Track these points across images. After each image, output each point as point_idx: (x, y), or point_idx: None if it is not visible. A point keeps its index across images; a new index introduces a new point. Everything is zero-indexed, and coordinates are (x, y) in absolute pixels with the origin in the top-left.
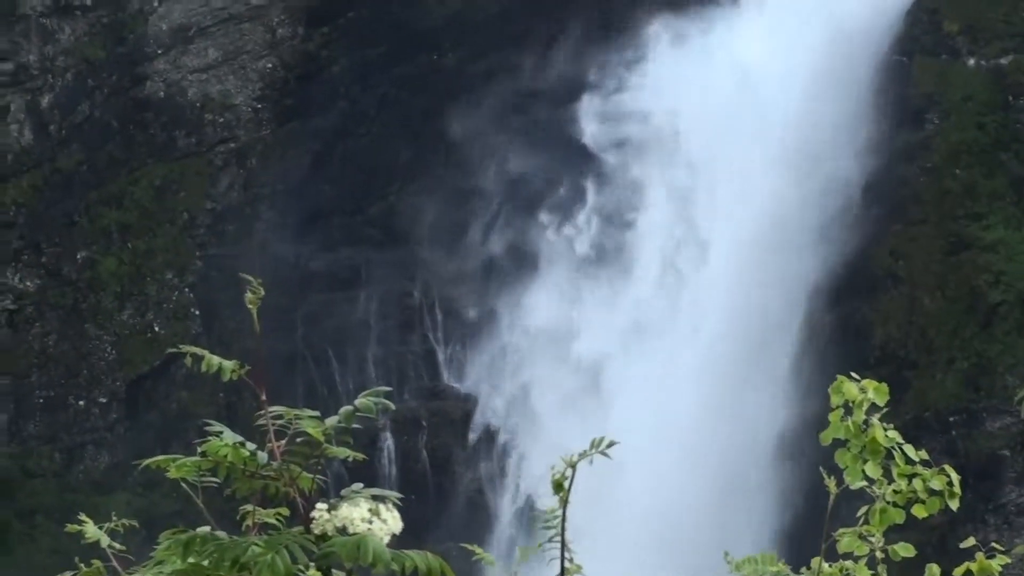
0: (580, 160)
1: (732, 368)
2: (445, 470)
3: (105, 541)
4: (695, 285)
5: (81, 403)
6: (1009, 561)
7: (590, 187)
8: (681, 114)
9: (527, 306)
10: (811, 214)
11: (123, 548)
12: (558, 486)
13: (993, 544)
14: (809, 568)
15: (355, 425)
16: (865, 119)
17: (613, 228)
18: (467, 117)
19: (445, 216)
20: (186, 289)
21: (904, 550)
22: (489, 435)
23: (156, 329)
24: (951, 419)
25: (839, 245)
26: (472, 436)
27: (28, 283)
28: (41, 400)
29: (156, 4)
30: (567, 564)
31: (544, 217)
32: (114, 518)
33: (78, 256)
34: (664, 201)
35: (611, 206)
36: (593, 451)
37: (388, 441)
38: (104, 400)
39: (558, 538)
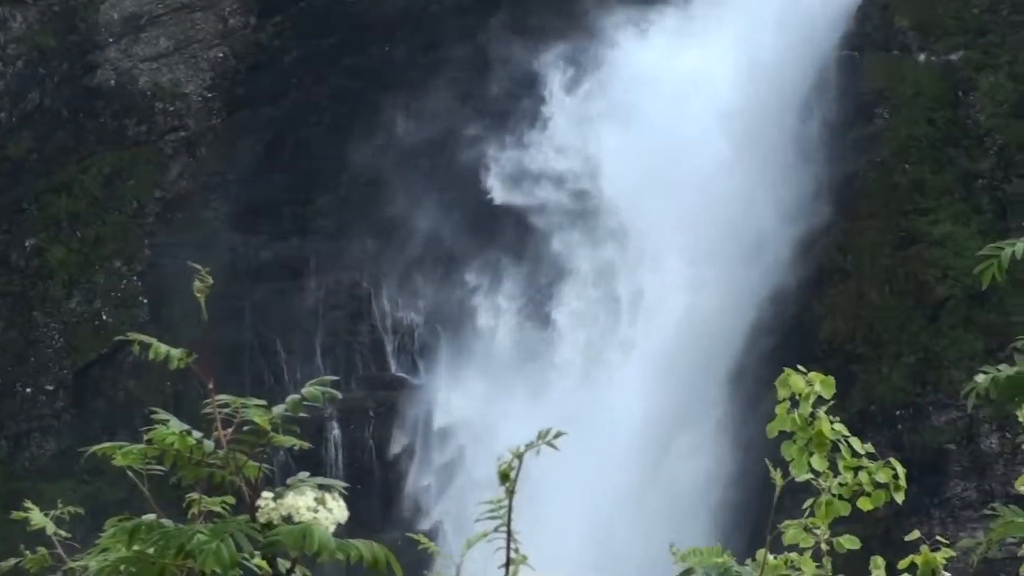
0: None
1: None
2: (391, 461)
3: (51, 528)
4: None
5: (28, 390)
6: (954, 554)
7: None
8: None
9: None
10: (764, 210)
11: (69, 536)
12: (504, 476)
13: (938, 537)
14: (754, 559)
15: (302, 414)
16: (815, 115)
17: None
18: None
19: (394, 208)
20: (135, 278)
21: (849, 542)
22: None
23: (104, 317)
24: (897, 413)
25: (791, 244)
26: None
27: None
28: None
29: None
30: (512, 555)
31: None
32: (60, 505)
33: (26, 244)
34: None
35: None
36: (540, 442)
37: (335, 431)
38: (51, 388)
39: (504, 528)
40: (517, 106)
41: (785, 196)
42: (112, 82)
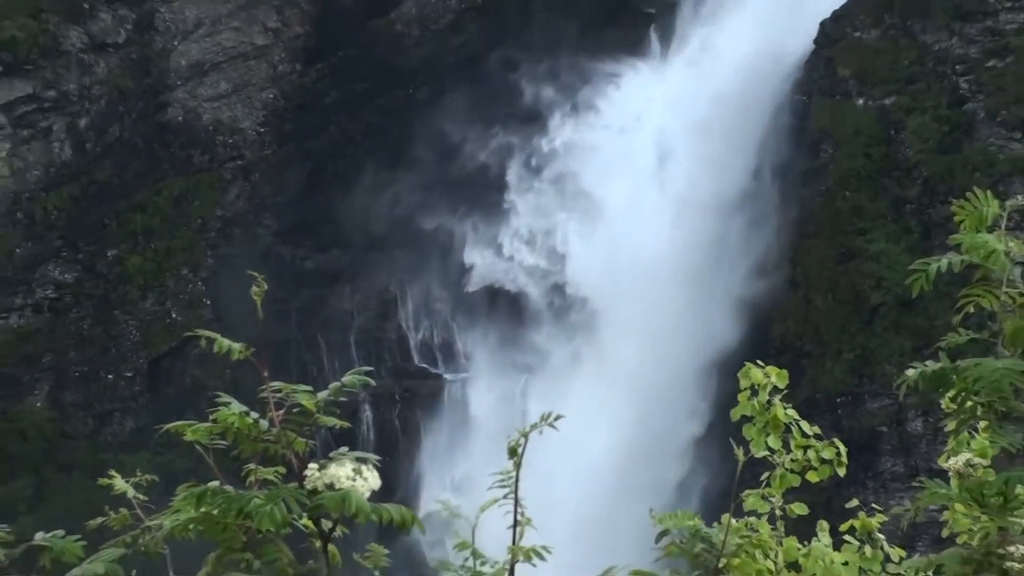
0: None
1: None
2: (413, 438)
3: (131, 493)
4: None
5: (110, 377)
6: (886, 519)
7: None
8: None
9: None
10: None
11: (145, 499)
12: (512, 452)
13: (873, 505)
14: (720, 523)
15: (341, 399)
16: (766, 154)
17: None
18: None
19: (416, 224)
20: (199, 283)
21: (799, 508)
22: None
23: (174, 316)
24: (838, 400)
25: (750, 256)
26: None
27: (67, 276)
28: (77, 374)
29: (177, 43)
30: (519, 518)
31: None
32: (138, 474)
33: (109, 254)
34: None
35: None
36: (543, 423)
37: (367, 412)
38: (130, 375)
39: (512, 496)
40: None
41: (745, 221)
42: (180, 118)
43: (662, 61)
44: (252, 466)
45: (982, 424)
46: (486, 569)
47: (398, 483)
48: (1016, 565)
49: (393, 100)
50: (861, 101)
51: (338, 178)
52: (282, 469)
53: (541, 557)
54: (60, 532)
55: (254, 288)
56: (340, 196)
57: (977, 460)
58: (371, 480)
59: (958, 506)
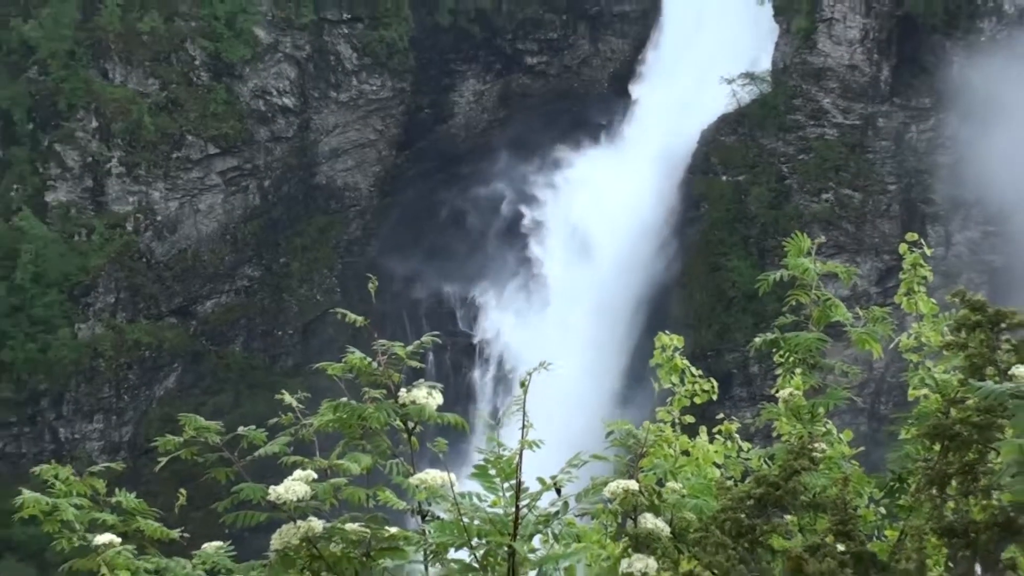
0: None
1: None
2: (457, 373)
3: (294, 403)
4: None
5: (279, 333)
6: (739, 425)
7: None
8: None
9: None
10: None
11: (302, 407)
12: (522, 384)
13: (732, 417)
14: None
15: (419, 351)
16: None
17: None
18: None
19: (463, 246)
20: (333, 278)
21: (689, 419)
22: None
23: (318, 298)
24: (709, 353)
25: (660, 268)
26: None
27: (255, 272)
28: (260, 331)
29: (323, 137)
30: (526, 424)
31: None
32: (297, 392)
33: (280, 260)
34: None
35: None
36: (543, 366)
37: (431, 357)
38: (291, 332)
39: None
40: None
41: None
42: (324, 181)
43: (608, 147)
44: (367, 390)
45: (798, 371)
46: (505, 453)
47: (451, 401)
48: (818, 454)
49: (447, 174)
50: (724, 177)
51: (415, 218)
52: (384, 392)
53: (537, 446)
54: (252, 427)
55: (369, 284)
56: (416, 229)
57: (795, 392)
58: (437, 398)
59: (783, 419)
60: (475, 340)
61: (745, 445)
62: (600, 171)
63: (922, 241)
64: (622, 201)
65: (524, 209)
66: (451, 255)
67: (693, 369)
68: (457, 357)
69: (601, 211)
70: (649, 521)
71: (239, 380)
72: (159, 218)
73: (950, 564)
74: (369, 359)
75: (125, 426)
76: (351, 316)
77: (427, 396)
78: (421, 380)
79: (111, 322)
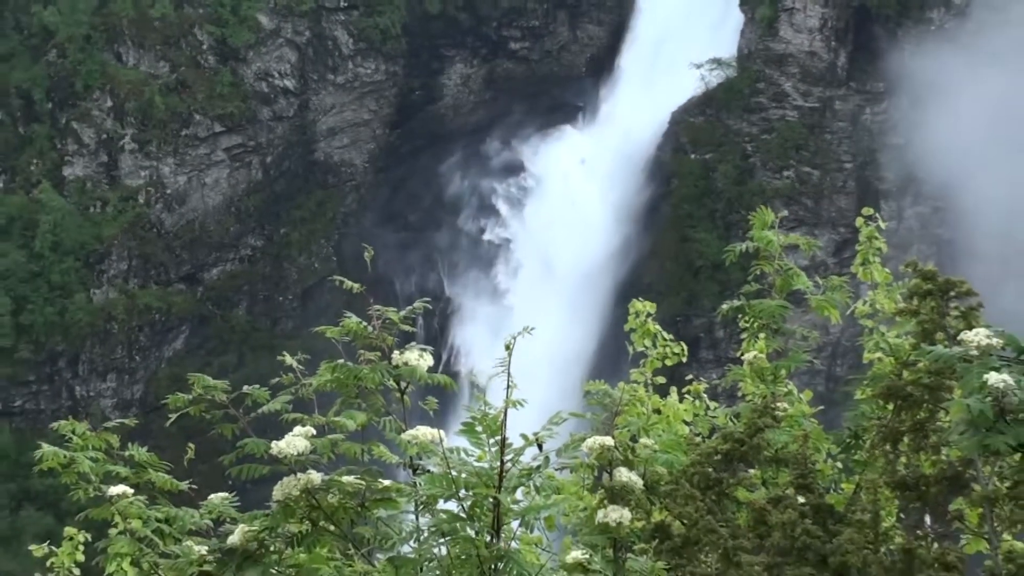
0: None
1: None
2: (444, 335)
3: (295, 364)
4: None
5: (280, 298)
6: (707, 385)
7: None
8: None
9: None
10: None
11: (302, 368)
12: (507, 347)
13: (700, 378)
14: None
15: (411, 316)
16: (643, 182)
17: None
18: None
19: (452, 221)
20: (330, 247)
21: (660, 379)
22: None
23: (316, 266)
24: (678, 318)
25: (632, 238)
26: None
27: (258, 242)
28: (262, 296)
29: (321, 116)
30: (510, 384)
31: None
32: (298, 354)
33: (281, 231)
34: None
35: None
36: (524, 332)
37: (420, 322)
38: (291, 298)
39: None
40: None
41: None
42: (322, 158)
43: (584, 127)
44: (363, 352)
45: (762, 335)
46: (491, 411)
47: (438, 363)
48: (780, 412)
49: (436, 151)
50: (693, 155)
51: (408, 193)
52: (379, 353)
53: (521, 405)
54: (256, 385)
55: (365, 253)
56: (408, 203)
57: (759, 355)
58: (427, 360)
59: (748, 380)
60: (458, 305)
61: (712, 404)
62: (576, 149)
63: (877, 215)
64: (599, 174)
65: (510, 181)
66: (439, 229)
67: (664, 333)
68: (442, 320)
69: (579, 183)
70: (624, 475)
71: (242, 342)
72: (168, 191)
73: (902, 515)
74: (365, 323)
75: (136, 384)
76: (348, 283)
77: (419, 358)
78: (413, 343)
79: (124, 288)
